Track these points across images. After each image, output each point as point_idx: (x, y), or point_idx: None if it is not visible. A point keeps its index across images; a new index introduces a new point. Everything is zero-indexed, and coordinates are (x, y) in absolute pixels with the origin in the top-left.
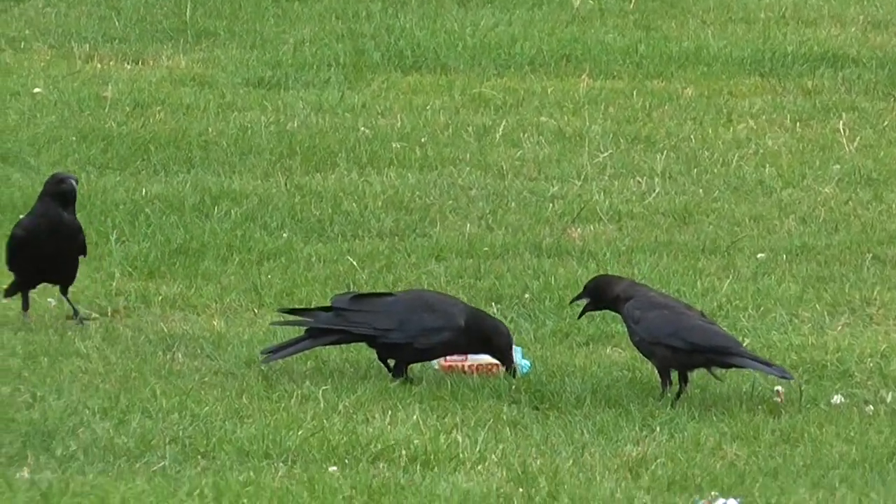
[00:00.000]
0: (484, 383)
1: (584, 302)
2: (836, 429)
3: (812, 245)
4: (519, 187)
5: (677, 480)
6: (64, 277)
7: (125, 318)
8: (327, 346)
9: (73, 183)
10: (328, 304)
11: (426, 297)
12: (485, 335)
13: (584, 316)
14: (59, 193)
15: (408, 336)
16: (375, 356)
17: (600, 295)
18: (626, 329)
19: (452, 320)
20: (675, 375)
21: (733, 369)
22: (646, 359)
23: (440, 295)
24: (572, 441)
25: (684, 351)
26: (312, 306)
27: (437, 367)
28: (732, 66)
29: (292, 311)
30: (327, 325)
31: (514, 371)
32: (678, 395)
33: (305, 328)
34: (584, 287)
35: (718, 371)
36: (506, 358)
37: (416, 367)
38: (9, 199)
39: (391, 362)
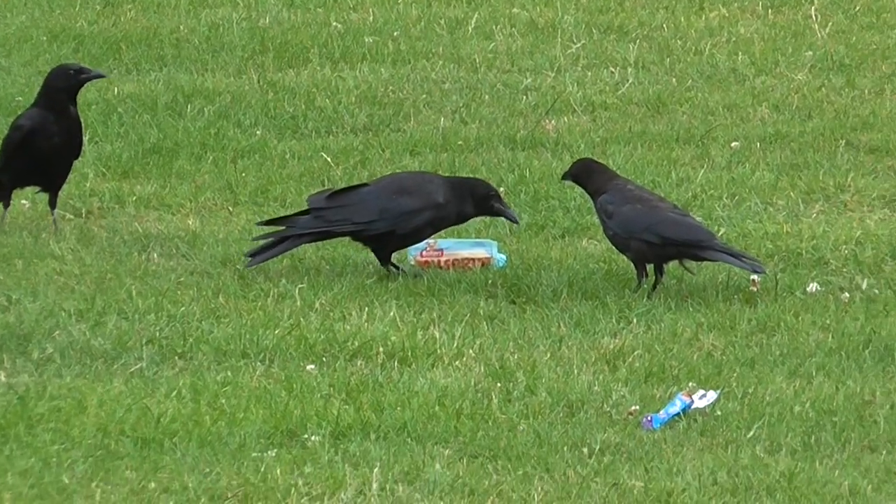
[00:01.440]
0: (460, 278)
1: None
2: (812, 317)
3: (786, 132)
4: (492, 80)
5: (654, 372)
6: (58, 179)
7: (100, 219)
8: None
9: (98, 72)
10: (303, 202)
11: (401, 180)
12: (472, 200)
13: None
14: (75, 85)
15: (389, 224)
16: (352, 253)
17: (580, 180)
18: (599, 222)
19: (430, 199)
20: (650, 267)
21: (706, 262)
22: (620, 252)
23: (416, 175)
24: (549, 335)
25: (658, 245)
26: (290, 213)
27: (412, 262)
28: None
29: (270, 223)
30: (309, 230)
31: (515, 218)
32: (654, 286)
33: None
34: (571, 167)
35: (692, 264)
36: (500, 212)
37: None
38: None
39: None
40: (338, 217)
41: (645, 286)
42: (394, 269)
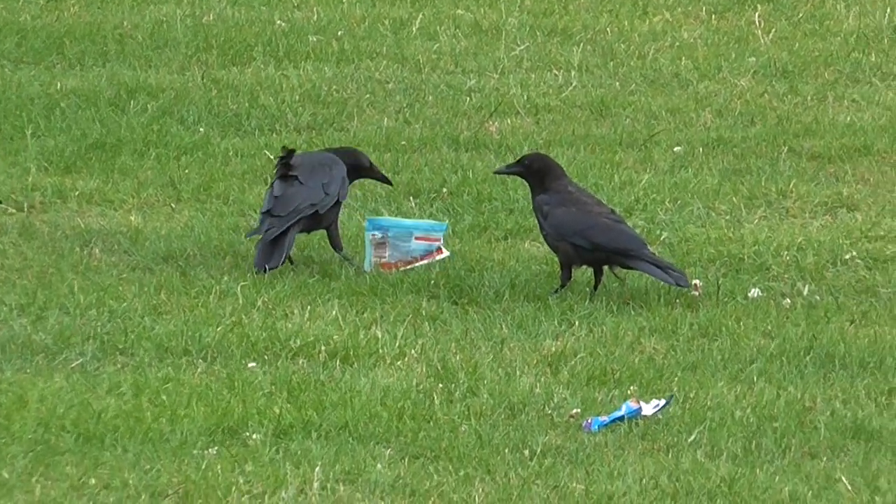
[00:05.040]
0: (403, 278)
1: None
2: (753, 322)
3: (728, 138)
4: (436, 80)
5: (596, 375)
6: None
7: (42, 214)
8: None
9: None
10: (245, 200)
11: (314, 158)
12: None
13: (501, 174)
14: None
15: (339, 194)
16: (293, 251)
17: (531, 173)
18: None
19: (341, 166)
20: (591, 270)
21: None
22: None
23: (317, 153)
24: (492, 336)
25: (587, 249)
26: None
27: (370, 269)
28: None
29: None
30: (285, 226)
31: (387, 179)
32: (594, 288)
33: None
34: (521, 158)
35: (620, 271)
36: (376, 174)
37: (335, 261)
38: None
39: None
40: (292, 207)
41: (565, 291)
42: (347, 259)
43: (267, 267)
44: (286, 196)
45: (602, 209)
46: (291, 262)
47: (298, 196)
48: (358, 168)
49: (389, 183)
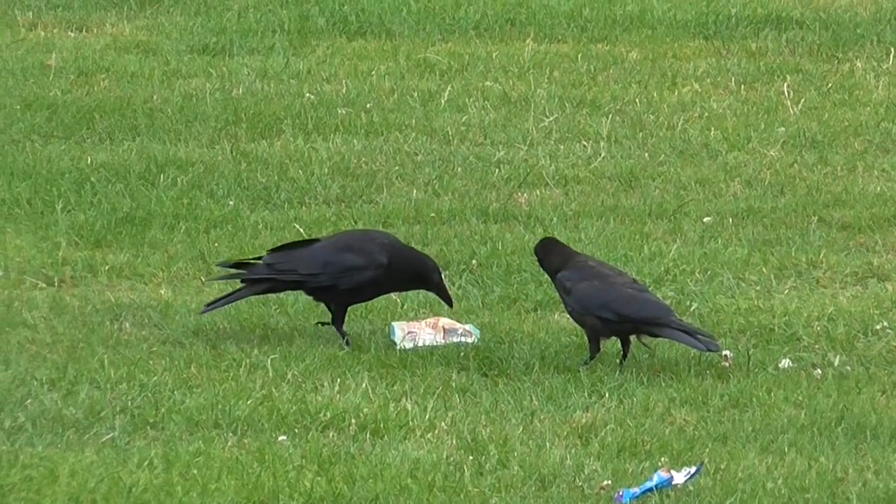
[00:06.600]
0: (432, 351)
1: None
2: (784, 393)
3: (758, 208)
4: (465, 152)
5: (627, 446)
6: None
7: (72, 288)
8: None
9: None
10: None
11: (348, 237)
12: (410, 270)
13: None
14: None
15: (332, 277)
16: (325, 327)
17: (539, 260)
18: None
19: (373, 258)
20: (619, 342)
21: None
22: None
23: (364, 233)
24: (521, 408)
25: (615, 321)
26: (250, 258)
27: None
28: (677, 28)
29: (233, 266)
30: (259, 276)
31: (451, 300)
32: (622, 360)
33: (241, 279)
34: (535, 250)
35: (648, 340)
36: (439, 289)
37: (364, 333)
38: None
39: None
40: (286, 267)
41: (594, 362)
42: (343, 340)
43: (206, 307)
44: (289, 254)
45: (624, 279)
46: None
47: (295, 262)
48: (425, 280)
49: (450, 304)
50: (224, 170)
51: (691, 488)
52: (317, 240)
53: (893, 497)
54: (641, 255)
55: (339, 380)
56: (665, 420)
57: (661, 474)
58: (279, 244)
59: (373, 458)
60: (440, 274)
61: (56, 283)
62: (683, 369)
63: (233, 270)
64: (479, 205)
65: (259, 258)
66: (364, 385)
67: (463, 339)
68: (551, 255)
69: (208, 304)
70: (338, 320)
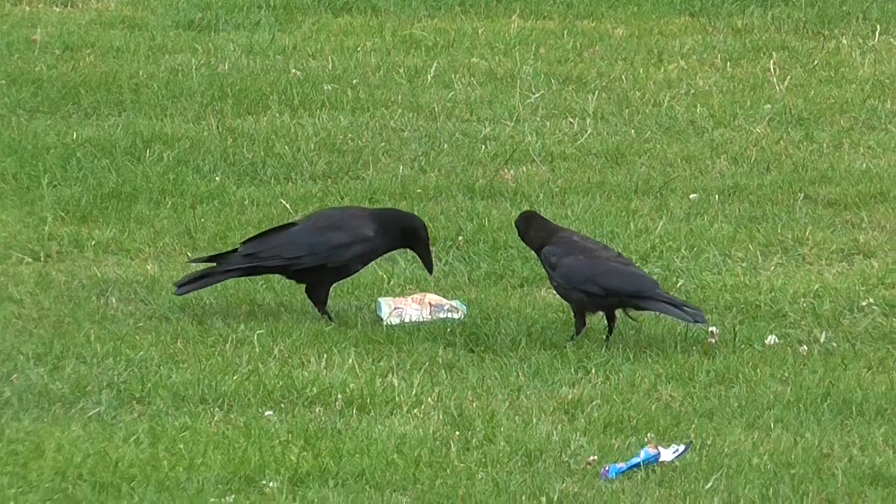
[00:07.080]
0: (419, 327)
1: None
2: (770, 369)
3: (744, 185)
4: (451, 129)
5: (613, 422)
6: None
7: (58, 263)
8: (243, 278)
9: None
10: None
11: (328, 216)
12: (399, 227)
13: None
14: None
15: (319, 258)
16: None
17: (521, 233)
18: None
19: (357, 232)
20: (605, 317)
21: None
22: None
23: (342, 210)
24: (508, 384)
25: (600, 296)
26: (225, 250)
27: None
28: (662, 5)
29: (208, 260)
30: (238, 266)
31: (431, 265)
32: (608, 335)
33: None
34: (516, 223)
35: (635, 313)
36: (425, 246)
37: (351, 310)
38: None
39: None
40: (269, 255)
41: (580, 338)
42: (328, 317)
43: (178, 288)
44: (268, 241)
45: (609, 254)
46: (331, 319)
47: (278, 248)
48: (413, 236)
49: (430, 269)
50: (210, 145)
51: (677, 464)
52: (291, 224)
53: (879, 472)
54: (628, 231)
55: (325, 355)
56: (651, 396)
57: (649, 450)
58: (252, 235)
59: (359, 433)
60: (426, 230)
61: (42, 258)
62: (670, 345)
63: (207, 265)
64: (465, 181)
65: (234, 251)
66: (350, 360)
67: (449, 314)
68: (533, 229)
69: (180, 284)
70: (320, 299)
